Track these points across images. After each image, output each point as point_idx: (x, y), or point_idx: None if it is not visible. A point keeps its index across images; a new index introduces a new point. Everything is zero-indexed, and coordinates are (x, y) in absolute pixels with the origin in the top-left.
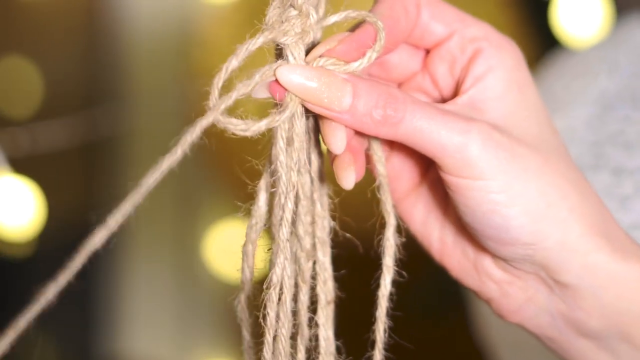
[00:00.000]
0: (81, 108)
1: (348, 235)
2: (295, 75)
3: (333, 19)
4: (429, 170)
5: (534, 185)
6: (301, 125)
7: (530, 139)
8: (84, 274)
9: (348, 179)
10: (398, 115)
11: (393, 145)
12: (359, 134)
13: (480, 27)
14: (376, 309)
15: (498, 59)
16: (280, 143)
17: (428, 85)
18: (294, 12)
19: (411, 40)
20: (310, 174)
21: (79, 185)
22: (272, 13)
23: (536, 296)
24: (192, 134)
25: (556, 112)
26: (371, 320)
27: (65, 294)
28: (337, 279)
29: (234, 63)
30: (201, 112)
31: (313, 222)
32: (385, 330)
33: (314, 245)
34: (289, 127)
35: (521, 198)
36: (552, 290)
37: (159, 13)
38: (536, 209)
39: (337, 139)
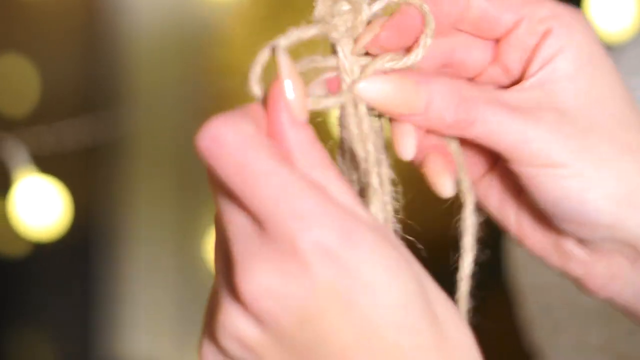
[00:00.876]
0: (81, 108)
1: (411, 238)
2: (375, 90)
3: (375, 7)
4: (499, 158)
5: (611, 172)
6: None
7: (605, 122)
8: (84, 274)
9: (446, 185)
10: (470, 119)
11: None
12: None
13: (547, 5)
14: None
15: (568, 37)
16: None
17: (499, 75)
18: (346, 7)
19: (480, 33)
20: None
21: (81, 185)
22: (321, 5)
23: (620, 272)
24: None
25: None
26: None
27: (66, 295)
28: None
29: (282, 42)
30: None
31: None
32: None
33: None
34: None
35: (598, 183)
36: (634, 264)
37: (159, 12)
38: (615, 194)
39: (406, 146)
